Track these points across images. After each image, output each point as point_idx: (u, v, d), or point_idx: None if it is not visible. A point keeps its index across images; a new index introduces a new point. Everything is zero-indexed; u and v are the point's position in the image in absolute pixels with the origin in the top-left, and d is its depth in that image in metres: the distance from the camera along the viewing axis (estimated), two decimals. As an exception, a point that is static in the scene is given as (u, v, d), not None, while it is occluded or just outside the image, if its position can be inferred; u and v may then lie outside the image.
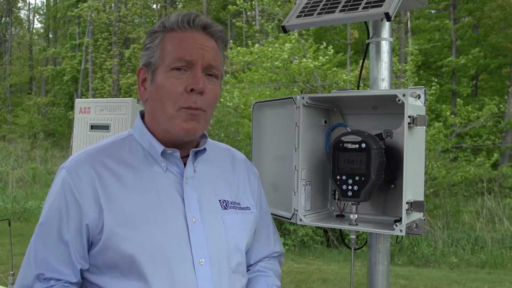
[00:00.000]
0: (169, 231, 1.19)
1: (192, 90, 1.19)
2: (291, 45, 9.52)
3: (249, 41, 10.54)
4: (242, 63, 10.53)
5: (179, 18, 1.23)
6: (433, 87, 9.78)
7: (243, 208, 1.35)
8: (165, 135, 1.25)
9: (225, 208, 1.31)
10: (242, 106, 9.80)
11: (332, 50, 9.85)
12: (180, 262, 1.18)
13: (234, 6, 11.54)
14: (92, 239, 1.17)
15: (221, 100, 9.86)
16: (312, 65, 9.07)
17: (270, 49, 9.65)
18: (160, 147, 1.24)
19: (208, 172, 1.33)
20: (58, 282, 1.16)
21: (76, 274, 1.18)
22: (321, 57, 9.39)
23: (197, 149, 1.29)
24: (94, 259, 1.18)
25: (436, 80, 10.83)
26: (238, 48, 10.21)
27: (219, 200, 1.31)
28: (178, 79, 1.20)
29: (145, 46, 1.28)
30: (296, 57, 9.76)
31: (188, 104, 1.19)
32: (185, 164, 1.27)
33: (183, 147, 1.27)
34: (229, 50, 10.47)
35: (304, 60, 9.24)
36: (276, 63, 9.34)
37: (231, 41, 11.51)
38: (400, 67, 10.68)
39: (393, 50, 1.70)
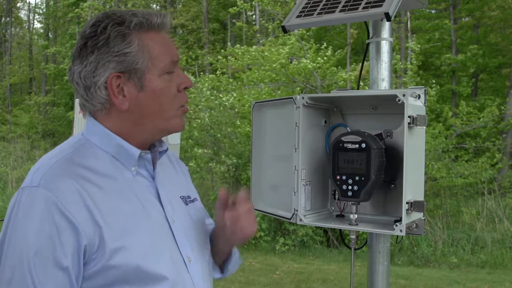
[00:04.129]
0: (160, 235, 1.18)
1: (185, 88, 1.21)
2: (287, 49, 9.55)
3: (243, 47, 10.51)
4: (242, 66, 10.54)
5: (149, 17, 1.16)
6: (433, 89, 9.77)
7: (193, 200, 1.37)
8: (140, 139, 1.20)
9: (187, 204, 1.32)
10: (242, 106, 9.80)
11: (331, 51, 9.85)
12: (176, 263, 1.19)
13: (235, 8, 11.54)
14: (87, 259, 1.07)
15: (220, 100, 9.88)
16: (310, 66, 9.08)
17: (266, 53, 9.68)
18: (136, 151, 1.18)
19: (164, 172, 1.31)
20: None
21: None
22: (319, 58, 9.41)
23: (161, 149, 1.28)
24: (91, 280, 1.08)
25: (434, 81, 10.81)
26: (238, 50, 10.20)
27: (180, 197, 1.32)
28: (171, 81, 1.19)
29: (117, 51, 1.13)
30: (296, 58, 9.77)
31: (184, 101, 1.22)
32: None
33: (145, 148, 1.24)
34: (227, 51, 10.48)
35: (304, 60, 9.25)
36: (274, 65, 9.37)
37: (229, 43, 11.49)
38: (402, 66, 10.67)
39: (393, 49, 1.70)
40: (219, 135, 9.42)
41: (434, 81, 10.77)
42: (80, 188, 1.08)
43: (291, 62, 9.72)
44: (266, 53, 9.76)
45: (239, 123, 9.47)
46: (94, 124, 1.19)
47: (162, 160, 1.32)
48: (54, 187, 1.06)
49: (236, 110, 9.98)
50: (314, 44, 10.23)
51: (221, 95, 10.04)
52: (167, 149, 1.29)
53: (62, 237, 1.04)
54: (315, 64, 9.20)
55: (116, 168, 1.17)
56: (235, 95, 10.00)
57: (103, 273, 1.07)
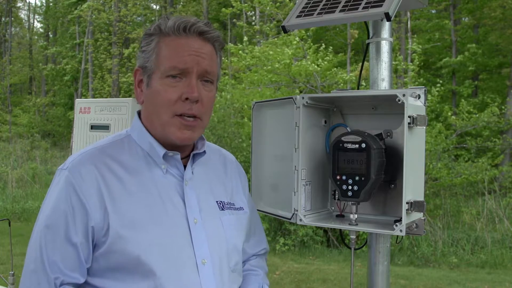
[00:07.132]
0: (173, 232, 1.20)
1: (187, 98, 1.19)
2: (292, 50, 9.53)
3: (248, 46, 10.47)
4: (244, 66, 10.51)
5: (176, 23, 1.22)
6: (437, 89, 9.74)
7: (237, 208, 1.37)
8: (158, 136, 1.26)
9: (222, 209, 1.33)
10: (246, 106, 9.79)
11: (332, 52, 9.83)
12: (185, 263, 1.19)
13: (231, 8, 11.55)
14: (97, 241, 1.16)
15: (225, 100, 9.87)
16: (311, 69, 9.08)
17: (271, 52, 9.64)
18: (161, 150, 1.24)
19: (205, 174, 1.34)
20: (69, 286, 1.16)
21: (84, 275, 1.18)
22: (320, 60, 9.39)
23: (197, 151, 1.31)
24: (97, 262, 1.17)
25: (440, 81, 10.77)
26: (240, 51, 10.17)
27: (216, 201, 1.33)
28: (173, 86, 1.20)
29: (141, 47, 1.28)
30: (297, 58, 9.75)
31: (182, 111, 1.20)
32: (184, 166, 1.28)
33: (181, 149, 1.28)
34: (229, 54, 10.47)
35: (304, 62, 9.23)
36: (277, 65, 9.34)
37: (231, 44, 11.47)
38: (403, 66, 10.65)
39: (394, 50, 1.70)
40: (225, 135, 9.40)
41: (440, 81, 10.73)
42: (98, 175, 1.18)
43: (292, 64, 9.71)
44: (271, 52, 9.66)
45: (247, 120, 9.40)
46: (135, 119, 1.30)
47: (208, 162, 1.36)
48: (76, 171, 1.18)
49: (239, 110, 9.95)
50: (312, 44, 10.22)
51: (227, 95, 10.01)
52: (204, 152, 1.32)
53: (76, 216, 1.15)
54: (316, 67, 9.17)
55: (148, 164, 1.25)
56: (237, 94, 9.94)
57: (106, 256, 1.15)
